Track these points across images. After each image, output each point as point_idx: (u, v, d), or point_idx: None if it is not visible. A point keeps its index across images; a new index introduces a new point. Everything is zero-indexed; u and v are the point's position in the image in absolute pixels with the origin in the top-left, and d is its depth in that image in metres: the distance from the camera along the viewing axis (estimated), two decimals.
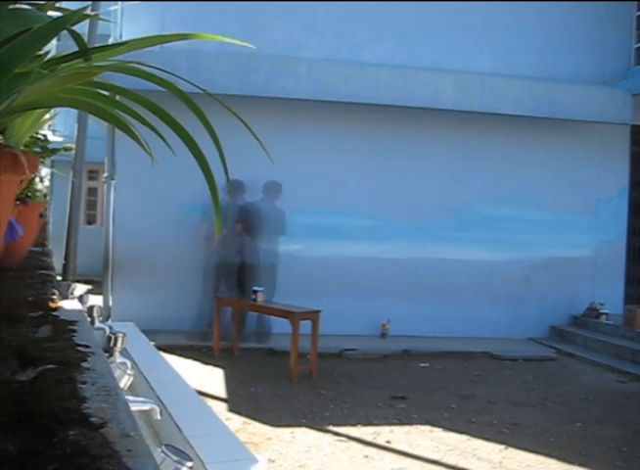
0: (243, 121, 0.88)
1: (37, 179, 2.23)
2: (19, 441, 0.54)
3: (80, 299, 2.02)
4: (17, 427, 0.56)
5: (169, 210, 8.22)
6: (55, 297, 1.43)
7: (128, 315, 7.24)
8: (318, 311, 6.58)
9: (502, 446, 4.82)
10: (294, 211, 8.37)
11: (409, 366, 7.35)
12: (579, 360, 7.92)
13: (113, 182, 8.39)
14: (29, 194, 1.99)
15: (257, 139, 0.86)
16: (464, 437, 5.01)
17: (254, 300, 6.91)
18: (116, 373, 1.67)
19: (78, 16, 0.71)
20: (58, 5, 0.87)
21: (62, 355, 0.83)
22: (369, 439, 4.91)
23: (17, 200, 1.52)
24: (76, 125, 7.85)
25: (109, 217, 8.41)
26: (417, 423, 5.29)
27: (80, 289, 2.07)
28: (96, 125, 9.05)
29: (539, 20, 9.08)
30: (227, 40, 0.85)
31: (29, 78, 0.68)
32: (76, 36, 0.76)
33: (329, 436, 4.92)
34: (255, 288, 6.98)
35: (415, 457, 4.58)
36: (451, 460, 4.56)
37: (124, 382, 1.82)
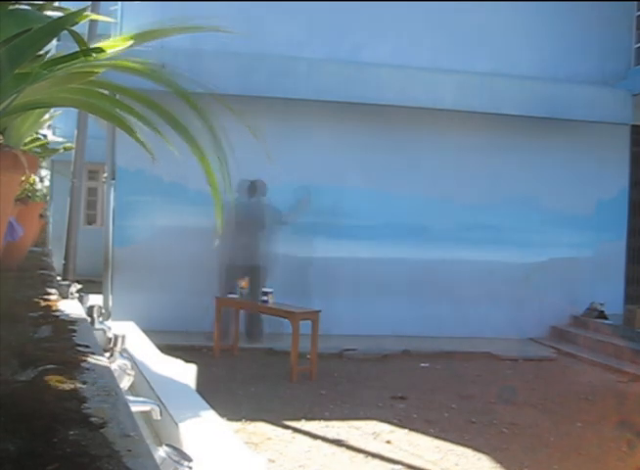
0: (243, 121, 0.88)
1: (37, 179, 2.23)
2: (19, 441, 0.54)
3: (80, 299, 2.02)
4: (17, 427, 0.56)
5: (170, 209, 8.21)
6: (54, 297, 1.43)
7: (128, 315, 7.23)
8: (318, 311, 6.58)
9: (502, 447, 4.82)
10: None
11: (409, 366, 7.34)
12: (579, 360, 7.92)
13: (113, 182, 8.38)
14: (29, 194, 1.99)
15: (258, 139, 0.86)
16: (464, 437, 5.00)
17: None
18: (116, 373, 1.67)
19: (78, 16, 0.71)
20: (57, 5, 0.87)
21: (62, 355, 0.83)
22: (369, 439, 4.91)
23: (17, 200, 1.52)
24: (76, 126, 7.83)
25: (109, 217, 8.40)
26: (417, 423, 5.29)
27: (76, 287, 2.07)
28: (96, 125, 9.04)
29: (539, 20, 9.07)
30: (226, 30, 0.85)
31: (29, 78, 0.68)
32: (77, 37, 0.76)
33: (329, 436, 4.92)
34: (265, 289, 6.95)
35: (415, 457, 4.58)
36: (451, 460, 4.56)
37: (124, 382, 1.82)
